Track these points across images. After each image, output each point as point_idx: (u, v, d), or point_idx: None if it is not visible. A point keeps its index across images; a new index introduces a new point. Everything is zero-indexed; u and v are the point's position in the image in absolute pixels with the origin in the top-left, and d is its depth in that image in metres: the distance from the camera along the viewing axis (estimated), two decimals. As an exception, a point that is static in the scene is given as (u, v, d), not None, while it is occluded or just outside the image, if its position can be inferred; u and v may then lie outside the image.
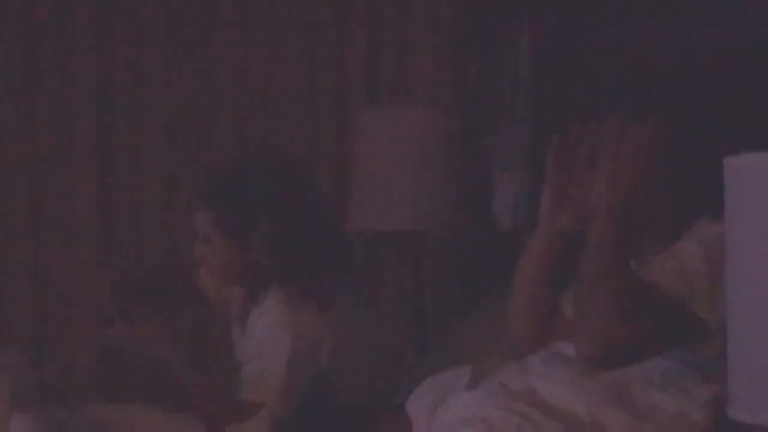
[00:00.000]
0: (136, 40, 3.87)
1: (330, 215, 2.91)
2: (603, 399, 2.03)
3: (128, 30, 3.87)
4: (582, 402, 2.03)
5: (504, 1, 3.68)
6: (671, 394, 2.01)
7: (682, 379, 2.02)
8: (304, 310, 2.72)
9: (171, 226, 3.83)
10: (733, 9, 2.57)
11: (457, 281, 3.78)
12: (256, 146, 3.80)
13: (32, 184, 3.87)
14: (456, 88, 3.83)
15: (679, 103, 2.22)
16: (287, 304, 2.72)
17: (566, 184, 2.21)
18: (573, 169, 2.20)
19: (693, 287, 1.99)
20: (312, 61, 3.88)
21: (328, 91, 3.87)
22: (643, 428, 2.01)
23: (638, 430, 2.00)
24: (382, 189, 3.41)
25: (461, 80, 3.82)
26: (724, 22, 2.60)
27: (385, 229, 3.49)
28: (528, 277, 2.27)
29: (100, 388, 3.47)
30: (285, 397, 2.68)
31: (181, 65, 3.87)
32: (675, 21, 2.79)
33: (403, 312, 3.75)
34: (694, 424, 1.99)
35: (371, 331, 2.96)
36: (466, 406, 2.08)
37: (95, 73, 3.86)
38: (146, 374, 2.87)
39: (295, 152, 3.61)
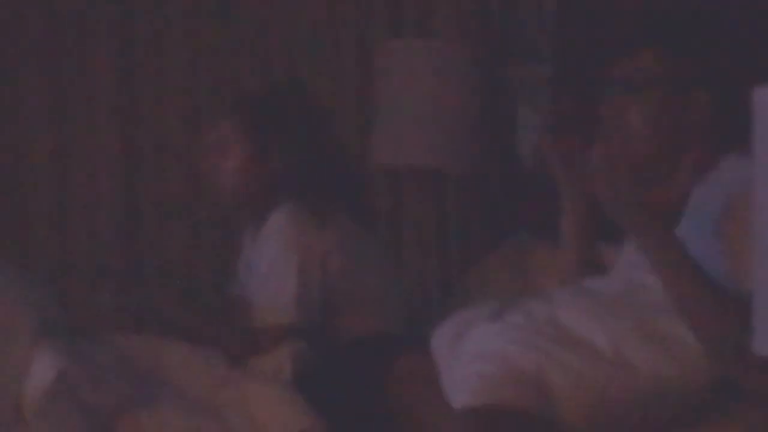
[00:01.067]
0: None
1: (345, 147, 2.95)
2: (628, 331, 2.03)
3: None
4: (606, 333, 2.03)
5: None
6: None
7: None
8: (311, 226, 2.74)
9: (194, 166, 3.83)
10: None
11: (481, 219, 3.77)
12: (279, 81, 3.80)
13: (55, 122, 3.88)
14: (479, 20, 3.79)
15: (706, 35, 2.20)
16: (294, 221, 2.74)
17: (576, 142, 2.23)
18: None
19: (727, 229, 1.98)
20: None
21: (349, 24, 3.85)
22: (664, 361, 2.01)
23: (662, 364, 2.01)
24: (403, 123, 3.39)
25: (484, 12, 3.78)
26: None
27: (407, 163, 3.48)
28: (570, 234, 2.31)
29: (124, 321, 3.49)
30: (300, 315, 2.70)
31: (201, 3, 3.85)
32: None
33: (426, 249, 3.75)
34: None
35: (386, 265, 2.97)
36: (485, 339, 2.09)
37: (116, 15, 3.85)
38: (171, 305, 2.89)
39: (318, 88, 3.60)
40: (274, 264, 2.73)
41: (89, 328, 2.83)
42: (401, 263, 3.66)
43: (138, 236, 3.88)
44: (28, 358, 2.45)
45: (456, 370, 2.10)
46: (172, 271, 3.81)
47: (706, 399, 2.01)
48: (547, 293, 2.18)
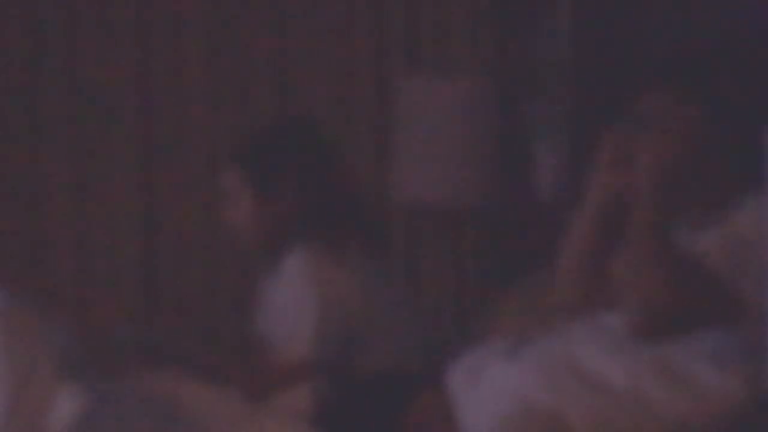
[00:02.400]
0: (176, 9, 3.88)
1: (359, 183, 2.96)
2: (644, 368, 2.03)
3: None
4: (622, 371, 2.03)
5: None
6: (713, 367, 2.01)
7: (725, 354, 2.02)
8: (329, 263, 2.75)
9: (214, 195, 3.85)
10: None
11: (498, 253, 3.77)
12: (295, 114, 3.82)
13: (74, 154, 3.89)
14: (496, 56, 3.81)
15: (724, 73, 2.20)
16: (312, 259, 2.75)
17: (625, 145, 2.20)
18: (630, 133, 2.19)
19: (742, 261, 1.99)
20: (350, 28, 3.87)
21: (367, 60, 3.86)
22: (682, 400, 2.01)
23: (678, 402, 2.01)
24: (420, 159, 3.41)
25: (501, 48, 3.80)
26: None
27: (424, 199, 3.49)
28: (580, 236, 2.26)
29: (146, 357, 3.50)
30: (319, 350, 2.70)
31: (221, 36, 3.88)
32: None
33: (443, 286, 3.75)
34: (734, 398, 1.99)
35: (403, 300, 2.98)
36: (501, 379, 2.09)
37: (135, 44, 3.87)
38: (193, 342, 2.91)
39: (336, 124, 3.61)
40: (293, 302, 2.74)
41: (110, 367, 2.84)
42: (418, 300, 3.67)
43: (158, 274, 3.89)
44: (50, 396, 2.46)
45: (473, 409, 2.10)
46: (191, 310, 3.82)
47: None
48: (564, 330, 2.18)
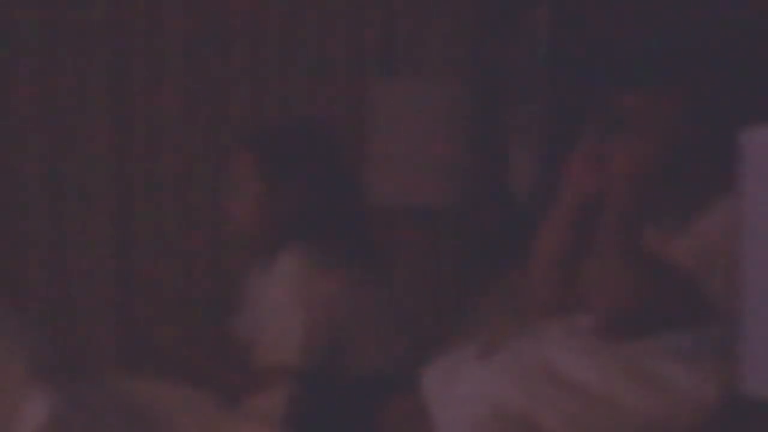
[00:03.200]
0: (153, 12, 3.87)
1: (356, 186, 2.95)
2: (616, 371, 2.03)
3: (145, 1, 3.87)
4: (595, 372, 2.03)
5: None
6: (685, 368, 2.01)
7: (696, 356, 2.02)
8: (320, 268, 2.74)
9: (189, 198, 3.84)
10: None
11: (474, 255, 3.78)
12: (271, 118, 3.81)
13: (50, 155, 3.88)
14: (472, 59, 3.81)
15: (700, 76, 2.20)
16: (304, 263, 2.74)
17: (599, 146, 2.20)
18: (605, 134, 2.19)
19: (711, 264, 1.99)
20: (328, 33, 3.87)
21: (342, 64, 3.86)
22: (655, 401, 2.01)
23: (650, 403, 2.00)
24: (397, 162, 3.41)
25: (478, 51, 3.80)
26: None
27: (401, 203, 3.49)
28: (553, 237, 2.26)
29: (119, 360, 3.49)
30: (303, 358, 2.69)
31: (198, 41, 3.87)
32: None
33: (419, 287, 3.75)
34: (706, 400, 1.99)
35: (388, 305, 2.97)
36: (475, 381, 2.08)
37: (111, 46, 3.86)
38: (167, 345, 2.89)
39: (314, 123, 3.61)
40: (281, 305, 2.72)
41: (84, 369, 2.82)
42: (396, 302, 3.66)
43: (132, 276, 3.88)
44: (21, 399, 2.44)
45: (447, 411, 2.09)
46: (168, 307, 3.81)
47: None
48: (537, 332, 2.17)
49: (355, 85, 3.84)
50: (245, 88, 3.88)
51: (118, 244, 3.88)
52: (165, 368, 2.80)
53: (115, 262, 3.86)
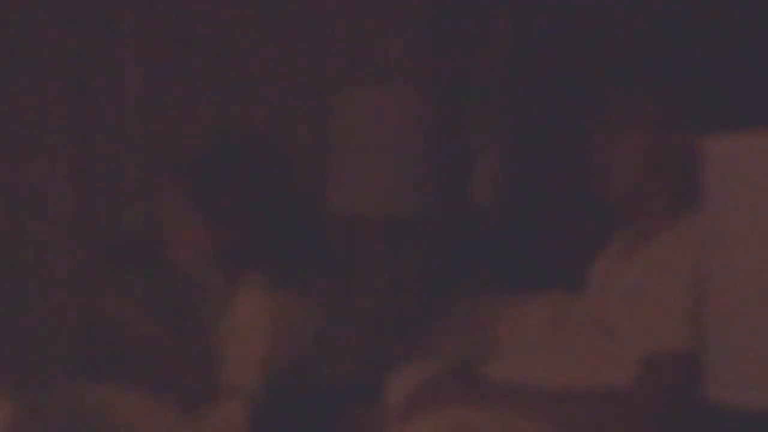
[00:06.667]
0: (114, 20, 3.85)
1: (307, 198, 2.90)
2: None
3: (106, 9, 3.85)
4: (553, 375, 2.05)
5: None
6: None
7: None
8: (283, 294, 2.72)
9: (150, 210, 3.82)
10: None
11: (436, 263, 3.78)
12: (235, 128, 3.79)
13: (11, 160, 3.86)
14: (433, 65, 3.81)
15: (662, 85, 2.21)
16: (266, 289, 2.71)
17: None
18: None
19: (663, 286, 2.00)
20: (289, 40, 3.86)
21: (305, 72, 3.86)
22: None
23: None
24: (359, 170, 3.40)
25: (439, 58, 3.81)
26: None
27: (363, 211, 3.48)
28: None
29: (79, 367, 3.46)
30: (264, 381, 2.67)
31: (160, 46, 3.85)
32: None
33: (382, 296, 3.75)
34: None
35: (350, 317, 2.97)
36: (437, 397, 2.09)
37: (73, 55, 3.85)
38: (126, 352, 2.86)
39: (274, 134, 3.60)
40: (246, 330, 2.70)
41: (42, 375, 2.80)
42: (358, 312, 3.66)
43: (93, 285, 3.85)
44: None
45: (410, 425, 2.09)
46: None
47: None
48: (501, 346, 2.18)
49: (316, 92, 3.83)
50: (207, 98, 3.86)
51: (75, 255, 3.84)
52: (125, 375, 2.78)
53: (73, 273, 3.83)
